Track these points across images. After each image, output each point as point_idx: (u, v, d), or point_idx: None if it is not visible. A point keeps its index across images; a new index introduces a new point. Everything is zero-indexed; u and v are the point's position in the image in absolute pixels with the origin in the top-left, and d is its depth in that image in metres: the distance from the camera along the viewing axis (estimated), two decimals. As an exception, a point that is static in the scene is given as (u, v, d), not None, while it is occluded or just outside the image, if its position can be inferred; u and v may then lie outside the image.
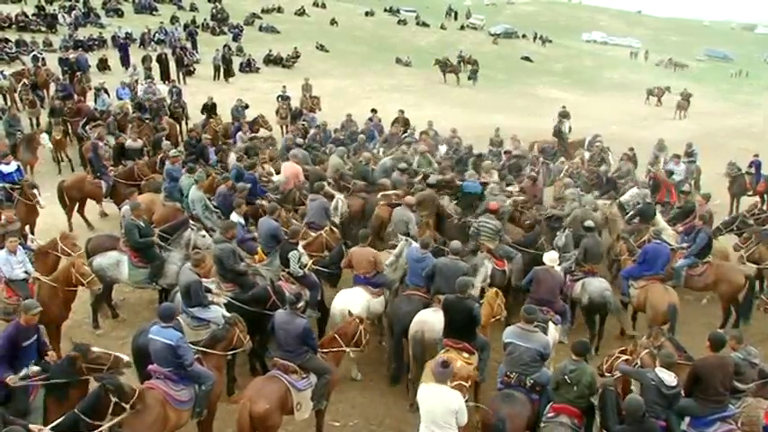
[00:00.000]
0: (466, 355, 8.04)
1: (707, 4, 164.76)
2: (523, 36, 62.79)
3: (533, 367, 7.45)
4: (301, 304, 7.84)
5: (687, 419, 7.21)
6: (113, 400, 6.44)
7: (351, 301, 9.46)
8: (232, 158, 15.18)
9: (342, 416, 8.87)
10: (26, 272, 9.42)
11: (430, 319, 8.81)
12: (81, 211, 14.60)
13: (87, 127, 18.67)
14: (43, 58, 27.21)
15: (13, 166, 13.55)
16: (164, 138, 17.47)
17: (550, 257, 9.82)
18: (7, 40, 30.59)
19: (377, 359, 10.10)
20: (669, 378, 6.90)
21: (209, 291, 9.02)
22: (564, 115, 25.78)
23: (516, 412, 7.09)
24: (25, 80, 23.21)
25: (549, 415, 7.10)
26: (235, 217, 11.20)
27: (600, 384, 7.27)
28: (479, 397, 8.52)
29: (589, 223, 11.33)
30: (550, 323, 9.02)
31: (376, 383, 9.70)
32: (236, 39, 40.24)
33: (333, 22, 52.25)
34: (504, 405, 7.13)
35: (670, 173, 17.10)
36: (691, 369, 7.31)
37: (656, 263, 10.70)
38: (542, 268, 9.70)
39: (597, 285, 10.56)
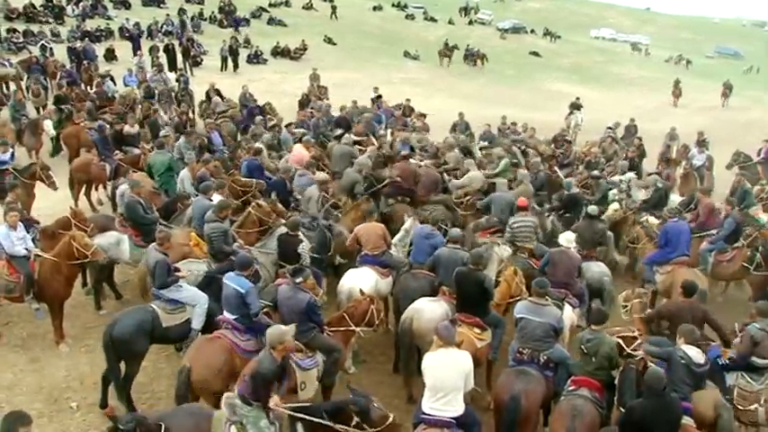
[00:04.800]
0: (477, 330, 7.80)
1: (717, 1, 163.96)
2: (532, 32, 62.56)
3: (547, 343, 7.17)
4: (300, 279, 7.56)
5: None
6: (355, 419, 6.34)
7: (359, 282, 9.09)
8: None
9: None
10: (27, 249, 9.25)
11: (423, 308, 8.39)
12: (87, 194, 14.55)
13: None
14: (51, 48, 26.98)
15: (7, 155, 13.39)
16: (158, 119, 17.46)
17: (567, 238, 9.45)
18: (15, 31, 30.59)
19: (384, 340, 9.83)
20: (697, 355, 6.62)
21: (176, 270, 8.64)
22: (575, 107, 25.58)
23: (531, 389, 6.81)
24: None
25: (570, 388, 6.84)
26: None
27: (623, 362, 7.00)
28: (491, 376, 8.32)
29: (593, 209, 11.08)
30: (568, 305, 8.73)
31: (383, 364, 9.48)
32: (236, 29, 40.18)
33: (333, 15, 51.72)
34: (518, 381, 6.86)
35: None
36: (658, 308, 8.23)
37: (679, 242, 10.29)
38: (558, 250, 9.37)
39: (596, 270, 10.13)
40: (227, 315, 7.66)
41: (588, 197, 13.46)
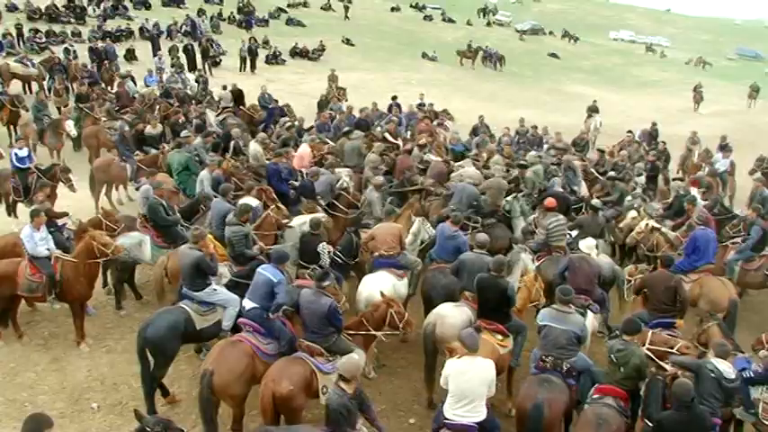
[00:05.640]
0: (500, 337, 7.73)
1: (738, 2, 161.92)
2: (550, 33, 62.29)
3: (570, 351, 7.08)
4: (327, 283, 7.58)
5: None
6: None
7: (378, 287, 8.94)
8: (254, 147, 14.73)
9: (369, 401, 8.63)
10: (48, 249, 9.30)
11: (446, 314, 8.36)
12: (108, 194, 14.66)
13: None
14: (75, 51, 26.79)
15: (25, 151, 13.51)
16: (179, 121, 17.53)
17: (587, 244, 9.39)
18: (37, 31, 30.87)
19: (404, 345, 9.79)
20: (728, 370, 6.50)
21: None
22: (593, 110, 25.36)
23: (554, 397, 6.71)
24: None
25: (595, 396, 6.73)
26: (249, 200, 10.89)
27: (650, 373, 6.86)
28: (513, 383, 8.26)
29: (596, 202, 11.52)
30: (589, 312, 8.63)
31: (404, 369, 9.42)
32: (248, 29, 40.35)
33: (345, 15, 51.79)
34: (542, 389, 6.75)
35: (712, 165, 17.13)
36: (640, 280, 9.33)
37: (707, 250, 10.14)
38: (578, 256, 9.28)
39: (606, 261, 10.21)
40: (248, 303, 7.68)
41: (606, 198, 13.38)
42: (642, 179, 14.60)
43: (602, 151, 17.32)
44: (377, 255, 9.80)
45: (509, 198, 12.48)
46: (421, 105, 22.67)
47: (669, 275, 8.96)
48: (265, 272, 7.67)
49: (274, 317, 7.58)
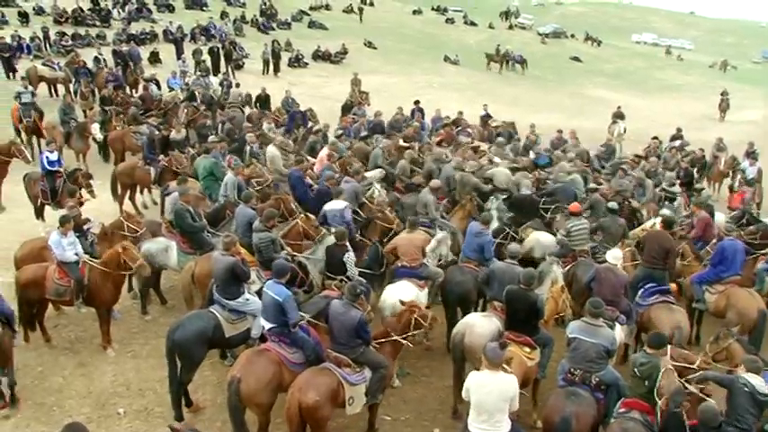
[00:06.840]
0: (527, 349, 7.66)
1: (764, 4, 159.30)
2: (572, 36, 61.90)
3: (599, 364, 6.98)
4: (361, 296, 7.58)
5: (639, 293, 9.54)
6: None
7: (401, 295, 8.90)
8: (271, 151, 14.72)
9: (394, 410, 8.58)
10: (76, 254, 9.37)
11: (475, 324, 8.33)
12: (132, 198, 14.77)
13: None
14: (104, 59, 26.46)
15: (55, 155, 13.65)
16: (205, 124, 17.72)
17: (614, 255, 9.20)
18: (64, 34, 31.20)
19: (429, 354, 9.82)
20: (761, 384, 6.34)
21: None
22: (618, 116, 25.09)
23: (582, 411, 6.63)
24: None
25: (621, 410, 6.64)
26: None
27: (662, 403, 6.61)
28: (539, 395, 8.20)
29: (612, 205, 11.50)
30: (616, 324, 8.48)
31: (428, 378, 9.40)
32: (266, 32, 40.55)
33: (360, 17, 51.75)
34: (570, 402, 6.68)
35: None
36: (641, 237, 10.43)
37: (735, 261, 9.96)
38: (604, 267, 9.10)
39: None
40: (264, 323, 7.67)
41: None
42: (677, 187, 14.35)
43: (640, 157, 17.14)
44: (399, 264, 9.84)
45: (491, 197, 12.86)
46: (487, 117, 22.54)
47: (668, 237, 9.94)
48: (269, 291, 7.56)
49: (294, 331, 7.55)
